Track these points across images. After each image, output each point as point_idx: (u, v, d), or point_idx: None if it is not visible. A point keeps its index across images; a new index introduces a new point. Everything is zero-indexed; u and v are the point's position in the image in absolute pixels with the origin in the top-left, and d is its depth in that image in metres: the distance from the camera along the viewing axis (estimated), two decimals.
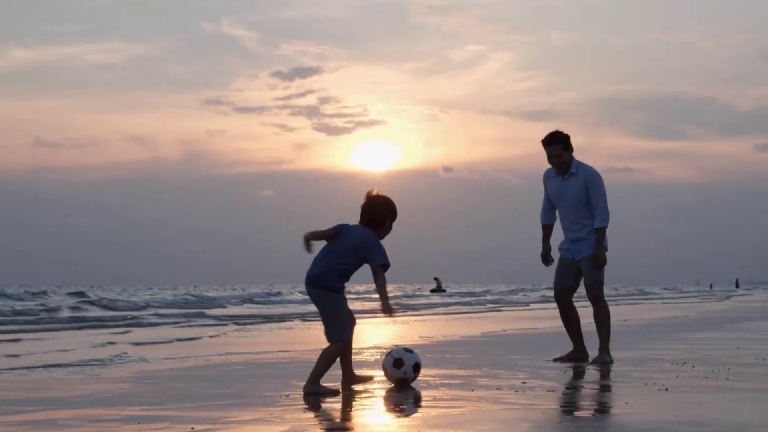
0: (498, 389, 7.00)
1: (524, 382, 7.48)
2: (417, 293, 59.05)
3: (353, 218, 7.17)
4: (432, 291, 60.32)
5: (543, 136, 9.08)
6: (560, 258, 9.25)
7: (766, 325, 17.66)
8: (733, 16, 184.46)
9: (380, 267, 6.95)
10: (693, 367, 8.50)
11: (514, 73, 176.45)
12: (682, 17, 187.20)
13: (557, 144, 9.02)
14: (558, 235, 9.30)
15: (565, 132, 9.09)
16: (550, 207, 9.30)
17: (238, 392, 7.03)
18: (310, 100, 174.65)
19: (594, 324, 9.17)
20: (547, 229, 9.30)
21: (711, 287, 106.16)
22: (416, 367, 7.26)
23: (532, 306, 35.52)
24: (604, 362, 8.93)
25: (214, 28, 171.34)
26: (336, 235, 7.06)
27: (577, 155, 9.12)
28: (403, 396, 6.69)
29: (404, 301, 45.22)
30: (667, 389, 6.81)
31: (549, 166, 9.15)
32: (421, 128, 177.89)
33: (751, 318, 21.39)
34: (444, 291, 59.52)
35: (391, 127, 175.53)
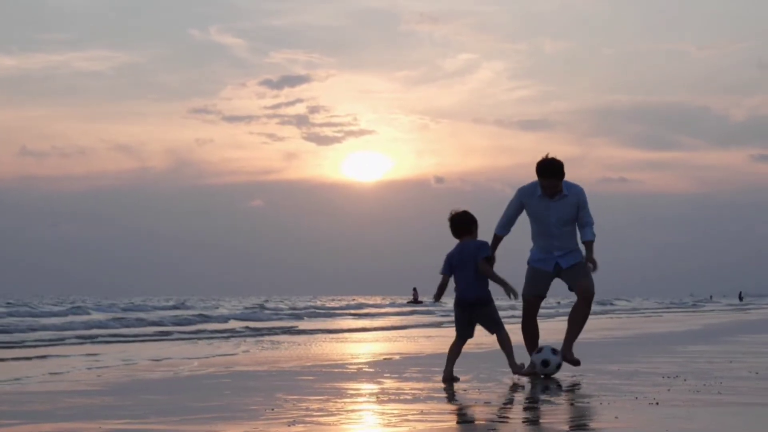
0: (487, 403, 6.93)
1: (513, 396, 7.41)
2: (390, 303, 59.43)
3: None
4: (408, 302, 60.31)
5: (539, 160, 8.85)
6: (532, 269, 9.11)
7: (760, 338, 17.59)
8: (728, 26, 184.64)
9: (485, 259, 8.57)
10: (685, 380, 8.42)
11: (507, 82, 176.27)
12: (676, 27, 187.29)
13: (554, 178, 8.89)
14: (515, 250, 9.28)
15: (559, 160, 8.92)
16: (512, 221, 9.12)
17: (223, 405, 6.94)
18: (300, 109, 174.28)
19: (568, 320, 9.22)
20: (499, 240, 9.12)
21: (711, 298, 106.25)
22: (558, 366, 8.78)
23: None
24: (575, 361, 9.04)
25: (202, 36, 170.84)
26: (453, 267, 8.62)
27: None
28: (390, 410, 6.61)
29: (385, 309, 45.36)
30: (657, 403, 6.73)
31: (527, 183, 9.06)
32: (412, 138, 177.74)
33: (745, 330, 21.33)
34: (420, 303, 59.30)
35: (382, 137, 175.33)
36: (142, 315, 31.33)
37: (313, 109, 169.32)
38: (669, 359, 11.28)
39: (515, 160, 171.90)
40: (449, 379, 8.53)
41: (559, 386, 8.09)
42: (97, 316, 31.20)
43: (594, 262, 9.05)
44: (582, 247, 9.08)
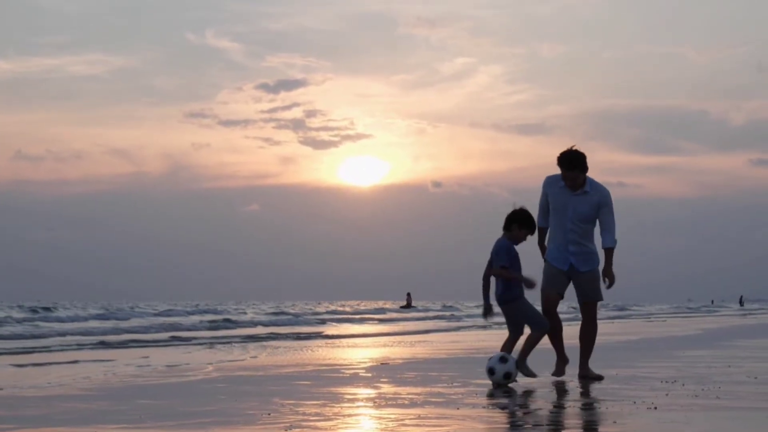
0: (484, 408, 6.90)
1: (511, 401, 7.38)
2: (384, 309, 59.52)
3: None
4: (401, 307, 60.35)
5: (560, 153, 8.84)
6: (548, 266, 8.98)
7: (758, 342, 17.58)
8: (728, 29, 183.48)
9: (499, 268, 8.72)
10: (683, 385, 8.40)
11: (504, 86, 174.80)
12: (675, 30, 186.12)
13: (575, 170, 8.83)
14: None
15: (581, 152, 8.87)
16: (547, 212, 9.04)
17: (219, 410, 6.91)
18: (296, 113, 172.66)
19: (579, 339, 9.17)
20: (544, 232, 9.11)
21: (712, 303, 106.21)
22: (507, 376, 8.43)
23: None
24: (597, 377, 9.00)
25: (198, 40, 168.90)
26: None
27: None
28: (388, 415, 6.58)
29: (376, 315, 45.38)
30: (656, 408, 6.70)
31: (552, 173, 8.98)
32: (409, 142, 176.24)
33: (744, 335, 21.31)
34: (414, 308, 59.34)
35: (379, 141, 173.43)
36: (177, 320, 31.82)
37: (310, 113, 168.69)
38: (668, 364, 11.26)
39: (513, 164, 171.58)
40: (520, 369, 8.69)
41: (557, 391, 8.06)
42: (137, 321, 31.42)
43: (611, 276, 8.93)
44: (600, 253, 8.98)
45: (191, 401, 7.61)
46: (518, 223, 8.79)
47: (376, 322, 37.68)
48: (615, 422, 6.03)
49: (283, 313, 44.10)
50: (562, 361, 9.13)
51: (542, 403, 7.21)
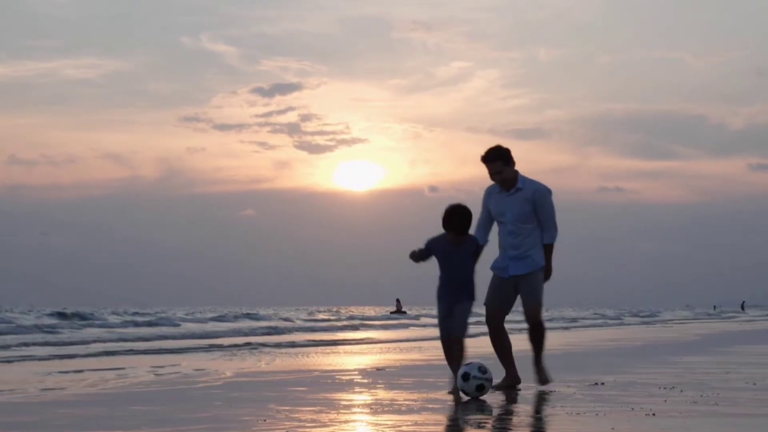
0: (481, 413, 6.87)
1: (507, 407, 7.35)
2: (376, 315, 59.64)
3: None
4: (392, 313, 60.47)
5: (484, 152, 8.73)
6: (495, 277, 8.79)
7: (756, 348, 17.56)
8: (725, 34, 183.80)
9: None
10: (681, 391, 8.36)
11: (501, 90, 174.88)
12: (672, 34, 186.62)
13: (497, 161, 8.71)
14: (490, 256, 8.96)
15: (505, 147, 8.79)
16: (485, 226, 8.87)
17: (215, 416, 6.87)
18: (291, 117, 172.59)
19: (530, 344, 8.86)
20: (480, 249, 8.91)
21: (714, 308, 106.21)
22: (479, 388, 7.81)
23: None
24: (545, 379, 8.75)
25: (193, 44, 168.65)
26: None
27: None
28: (384, 421, 6.55)
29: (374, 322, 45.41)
30: (654, 414, 6.67)
31: (490, 183, 8.88)
32: (405, 146, 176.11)
33: (742, 341, 21.30)
34: (404, 313, 59.45)
35: (374, 146, 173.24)
36: (225, 326, 33.01)
37: (305, 117, 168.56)
38: (665, 370, 11.23)
39: None
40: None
41: (553, 397, 8.03)
42: (186, 327, 31.84)
43: (549, 270, 8.75)
44: (542, 255, 8.75)
45: (188, 407, 7.56)
46: (443, 223, 8.27)
47: (414, 327, 37.59)
48: (613, 428, 5.99)
49: (320, 319, 44.51)
50: (508, 378, 8.71)
51: (540, 409, 7.17)
